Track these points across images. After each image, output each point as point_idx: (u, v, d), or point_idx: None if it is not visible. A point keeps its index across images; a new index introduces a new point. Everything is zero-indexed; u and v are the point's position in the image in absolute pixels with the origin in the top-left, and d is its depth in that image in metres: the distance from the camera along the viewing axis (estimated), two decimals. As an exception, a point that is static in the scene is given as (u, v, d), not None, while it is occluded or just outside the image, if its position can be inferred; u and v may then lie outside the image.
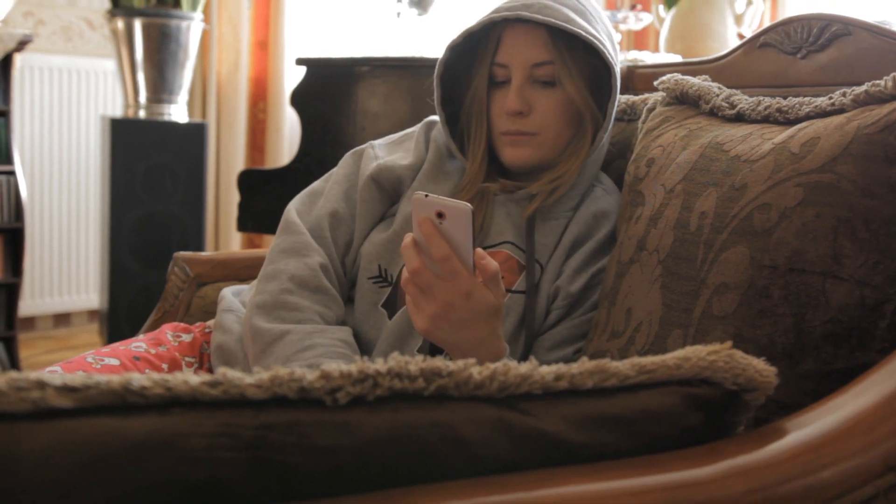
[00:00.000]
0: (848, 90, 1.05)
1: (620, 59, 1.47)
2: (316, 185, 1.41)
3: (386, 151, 1.40)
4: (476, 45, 1.35)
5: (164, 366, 1.35)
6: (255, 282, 1.35)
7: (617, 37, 1.40)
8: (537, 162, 1.34)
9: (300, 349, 1.20)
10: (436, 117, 1.42)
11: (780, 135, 1.07)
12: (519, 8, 1.28)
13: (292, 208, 1.37)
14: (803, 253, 0.95)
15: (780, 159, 1.03)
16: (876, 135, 0.95)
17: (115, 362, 1.31)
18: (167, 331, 1.43)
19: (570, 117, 1.33)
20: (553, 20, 1.26)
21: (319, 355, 1.18)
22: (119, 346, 1.37)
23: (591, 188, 1.38)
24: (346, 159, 1.42)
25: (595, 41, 1.28)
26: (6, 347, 3.31)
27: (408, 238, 1.03)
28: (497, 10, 1.30)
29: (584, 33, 1.27)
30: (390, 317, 1.28)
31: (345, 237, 1.34)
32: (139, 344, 1.37)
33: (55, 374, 0.59)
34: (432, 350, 1.24)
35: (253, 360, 1.24)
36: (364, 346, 1.28)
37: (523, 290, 1.29)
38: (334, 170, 1.42)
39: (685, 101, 1.33)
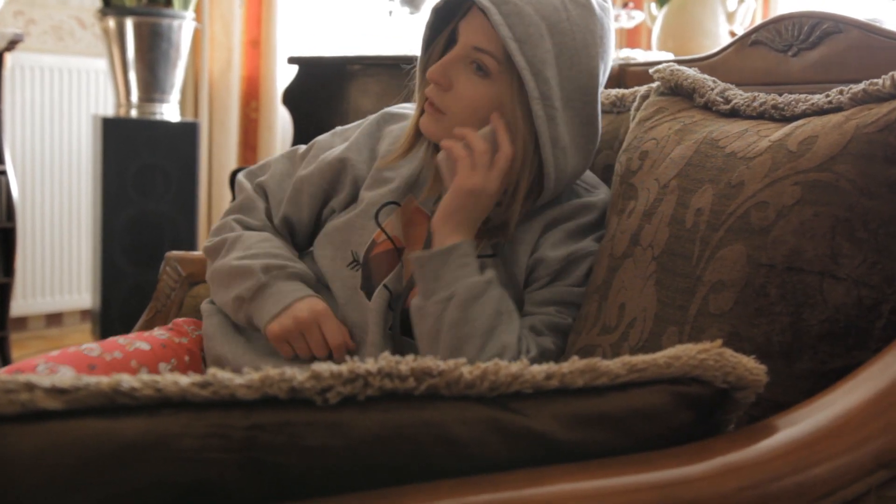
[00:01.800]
0: (845, 88, 1.05)
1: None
2: (269, 157, 1.51)
3: (341, 138, 1.44)
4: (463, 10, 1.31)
5: (186, 358, 1.39)
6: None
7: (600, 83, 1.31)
8: (439, 138, 1.29)
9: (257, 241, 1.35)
10: (394, 108, 1.44)
11: (777, 132, 1.07)
12: (496, 0, 1.21)
13: (243, 177, 1.48)
14: (801, 252, 0.95)
15: (777, 157, 1.03)
16: (875, 134, 0.95)
17: (145, 346, 1.35)
18: (184, 324, 1.46)
19: (488, 119, 1.27)
20: (506, 33, 1.20)
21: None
22: (143, 333, 1.41)
23: (572, 189, 1.35)
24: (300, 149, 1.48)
25: (528, 78, 1.21)
26: (-2, 348, 3.31)
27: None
28: None
29: (522, 61, 1.20)
30: (369, 297, 1.31)
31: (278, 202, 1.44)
32: (162, 332, 1.42)
33: (53, 374, 0.58)
34: (404, 326, 1.28)
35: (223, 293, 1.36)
36: (352, 330, 1.32)
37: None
38: (290, 148, 1.50)
39: (679, 93, 1.32)
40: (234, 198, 2.73)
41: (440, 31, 1.34)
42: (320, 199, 1.41)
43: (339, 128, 1.47)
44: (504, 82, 1.25)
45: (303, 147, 1.47)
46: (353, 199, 1.39)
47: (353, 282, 1.33)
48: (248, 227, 1.40)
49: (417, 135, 1.35)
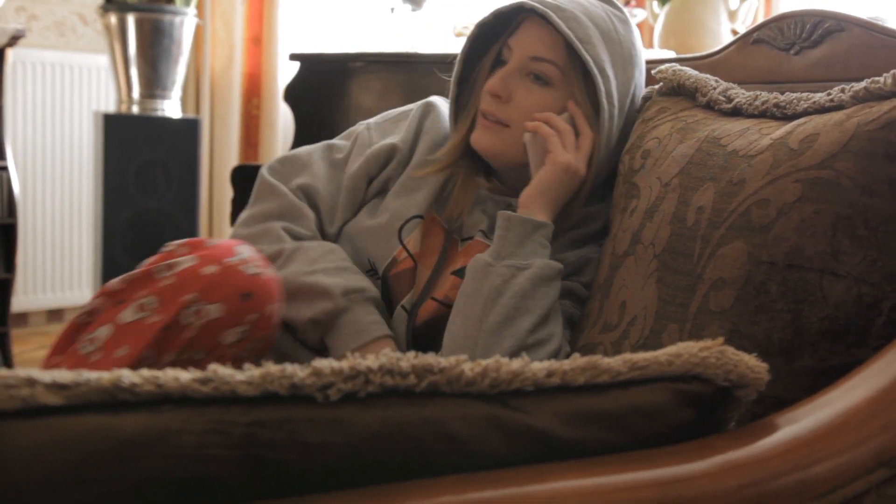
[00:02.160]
0: (847, 86, 1.05)
1: None
2: (296, 152, 1.41)
3: (380, 135, 1.40)
4: (503, 26, 1.34)
5: None
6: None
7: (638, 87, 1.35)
8: (498, 153, 1.32)
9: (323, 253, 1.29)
10: (433, 99, 1.42)
11: (779, 130, 1.07)
12: (551, 7, 1.26)
13: (269, 176, 1.38)
14: (801, 249, 0.95)
15: (778, 155, 1.03)
16: (876, 132, 0.95)
17: None
18: None
19: None
20: (570, 34, 1.24)
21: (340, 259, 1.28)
22: None
23: None
24: (340, 141, 1.42)
25: (596, 73, 1.25)
26: (-1, 343, 3.31)
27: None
28: None
29: (590, 59, 1.25)
30: (390, 312, 1.31)
31: (318, 213, 1.37)
32: None
33: (54, 371, 0.58)
34: (423, 343, 1.26)
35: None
36: None
37: None
38: (322, 143, 1.42)
39: (681, 93, 1.32)
40: (235, 193, 2.73)
41: (482, 46, 1.35)
42: (367, 186, 1.39)
43: (370, 122, 1.44)
44: (567, 87, 1.28)
45: (336, 143, 1.42)
46: (386, 183, 1.38)
47: None
48: (297, 237, 1.33)
49: (461, 152, 1.34)
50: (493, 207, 1.34)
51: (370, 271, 1.33)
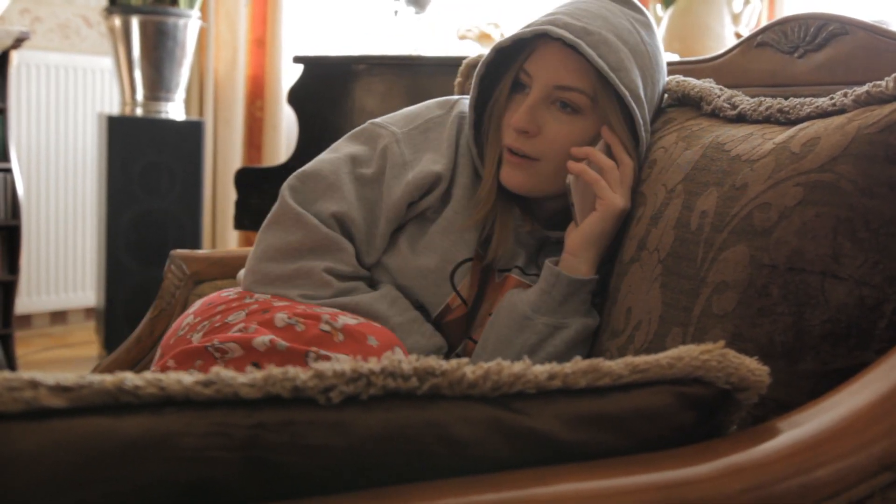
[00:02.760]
0: (849, 90, 1.05)
1: None
2: (318, 167, 1.26)
3: (411, 150, 1.26)
4: (518, 52, 1.24)
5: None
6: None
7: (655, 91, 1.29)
8: (531, 189, 1.25)
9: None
10: (462, 103, 1.32)
11: (781, 135, 1.07)
12: (578, 32, 1.18)
13: (291, 199, 1.23)
14: (803, 252, 0.95)
15: (780, 159, 1.03)
16: (876, 135, 0.95)
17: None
18: None
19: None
20: (604, 65, 1.16)
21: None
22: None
23: None
24: (362, 150, 1.28)
25: (633, 106, 1.19)
26: (2, 345, 3.31)
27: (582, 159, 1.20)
28: (555, 22, 1.19)
29: (626, 92, 1.18)
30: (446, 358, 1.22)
31: (353, 243, 1.25)
32: None
33: (54, 374, 0.58)
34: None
35: None
36: None
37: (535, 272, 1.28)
38: (343, 154, 1.27)
39: (687, 103, 1.32)
40: (239, 195, 2.73)
41: (496, 70, 1.26)
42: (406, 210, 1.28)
43: (394, 130, 1.28)
44: (599, 113, 1.21)
45: (359, 154, 1.27)
46: (425, 210, 1.27)
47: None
48: (339, 276, 1.21)
49: (496, 190, 1.25)
50: (528, 239, 1.29)
51: (419, 308, 1.26)
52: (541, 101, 1.21)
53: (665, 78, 1.31)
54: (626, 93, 1.18)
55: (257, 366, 1.01)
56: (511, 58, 1.24)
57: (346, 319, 1.11)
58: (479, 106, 1.28)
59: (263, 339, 1.04)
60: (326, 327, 1.07)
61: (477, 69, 1.26)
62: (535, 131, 1.21)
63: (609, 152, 1.22)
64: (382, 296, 1.22)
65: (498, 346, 1.19)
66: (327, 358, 1.03)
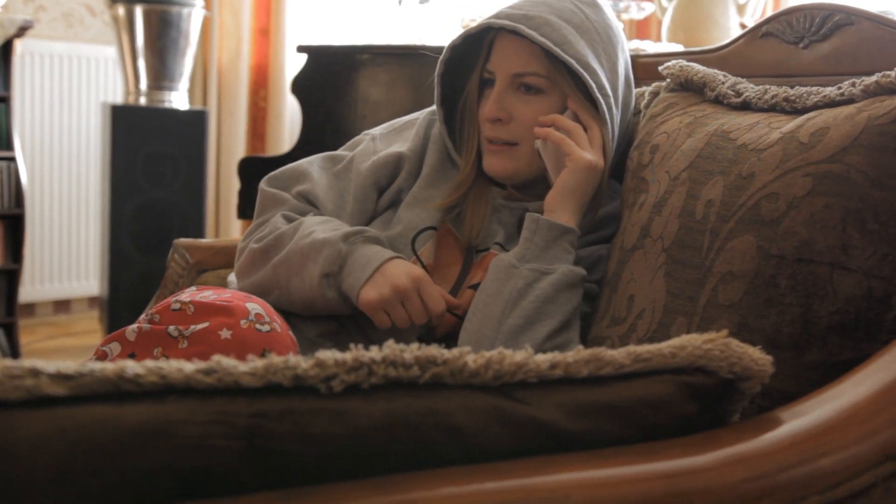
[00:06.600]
0: (857, 80, 1.04)
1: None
2: (295, 164, 1.40)
3: (384, 145, 1.39)
4: (479, 43, 1.34)
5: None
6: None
7: (622, 62, 1.34)
8: (513, 173, 1.33)
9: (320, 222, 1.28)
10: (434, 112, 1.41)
11: (788, 124, 1.07)
12: (519, 19, 1.27)
13: (267, 186, 1.38)
14: (811, 243, 0.95)
15: (788, 149, 1.02)
16: (887, 126, 0.95)
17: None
18: None
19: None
20: (546, 41, 1.25)
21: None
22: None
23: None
24: (342, 152, 1.41)
25: (582, 72, 1.25)
26: (6, 333, 3.32)
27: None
28: (498, 15, 1.29)
29: (573, 61, 1.25)
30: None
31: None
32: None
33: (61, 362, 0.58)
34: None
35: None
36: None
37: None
38: (323, 154, 1.41)
39: (690, 88, 1.32)
40: (242, 184, 2.73)
41: (455, 65, 1.36)
42: (377, 196, 1.38)
43: (374, 131, 1.43)
44: (559, 88, 1.29)
45: (337, 154, 1.41)
46: (398, 194, 1.37)
47: None
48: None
49: (472, 181, 1.34)
50: (508, 216, 1.34)
51: None
52: (506, 90, 1.30)
53: (626, 50, 1.36)
54: (573, 62, 1.25)
55: (133, 356, 1.08)
56: (471, 52, 1.35)
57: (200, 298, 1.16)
58: (448, 100, 1.37)
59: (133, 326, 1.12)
60: (177, 305, 1.12)
61: (437, 67, 1.36)
62: (507, 118, 1.30)
63: (578, 120, 1.30)
64: (317, 217, 1.32)
65: (488, 300, 1.21)
66: (182, 329, 1.09)
